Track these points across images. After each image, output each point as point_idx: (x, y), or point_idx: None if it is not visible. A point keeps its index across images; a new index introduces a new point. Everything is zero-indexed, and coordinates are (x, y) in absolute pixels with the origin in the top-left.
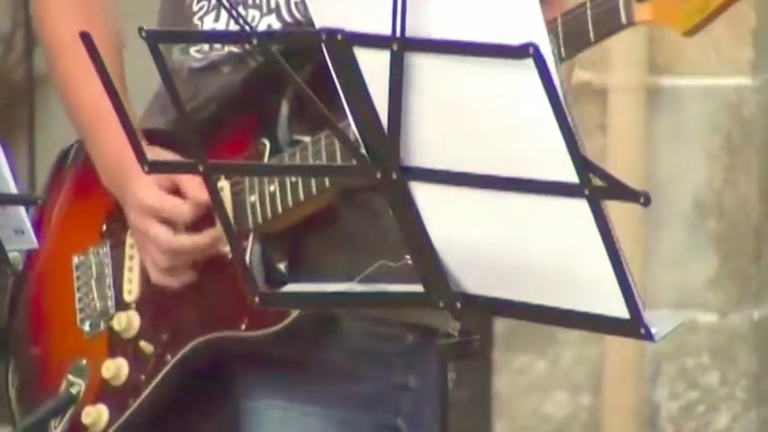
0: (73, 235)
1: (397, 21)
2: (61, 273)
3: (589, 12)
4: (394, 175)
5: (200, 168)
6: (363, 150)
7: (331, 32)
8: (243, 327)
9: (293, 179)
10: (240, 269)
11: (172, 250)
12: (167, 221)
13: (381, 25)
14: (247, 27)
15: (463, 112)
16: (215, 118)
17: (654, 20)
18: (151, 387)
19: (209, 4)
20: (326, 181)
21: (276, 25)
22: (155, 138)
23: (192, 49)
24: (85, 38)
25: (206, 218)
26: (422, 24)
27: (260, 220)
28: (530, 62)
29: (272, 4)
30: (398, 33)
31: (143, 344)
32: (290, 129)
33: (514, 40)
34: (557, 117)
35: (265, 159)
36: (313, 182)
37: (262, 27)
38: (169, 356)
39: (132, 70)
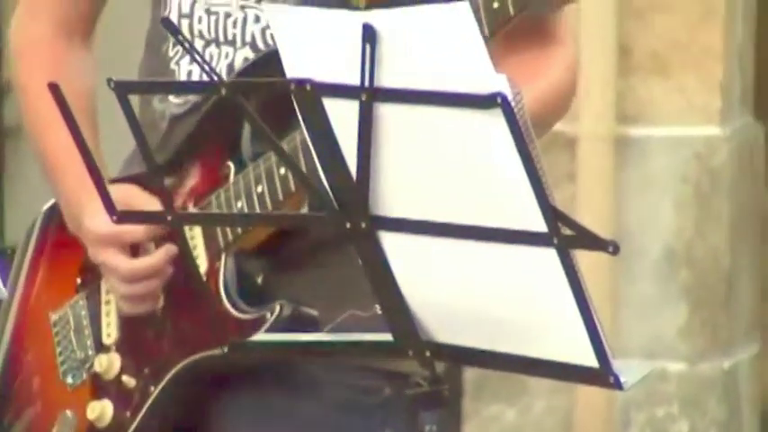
0: (49, 293)
1: (366, 71)
2: (40, 333)
3: None
4: (363, 225)
5: (169, 218)
6: (332, 199)
7: (300, 82)
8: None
9: (259, 190)
10: (213, 307)
11: (132, 276)
12: (124, 248)
13: (350, 75)
14: (215, 76)
15: (432, 161)
16: (183, 155)
17: None
18: (137, 422)
19: (183, 50)
20: (293, 189)
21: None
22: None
23: (171, 96)
24: (53, 88)
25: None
26: (390, 73)
27: (230, 237)
28: (497, 111)
29: (247, 38)
30: (367, 83)
31: (125, 378)
32: (254, 144)
33: (480, 88)
34: (525, 166)
35: (230, 181)
36: (280, 193)
37: (238, 61)
38: (152, 387)
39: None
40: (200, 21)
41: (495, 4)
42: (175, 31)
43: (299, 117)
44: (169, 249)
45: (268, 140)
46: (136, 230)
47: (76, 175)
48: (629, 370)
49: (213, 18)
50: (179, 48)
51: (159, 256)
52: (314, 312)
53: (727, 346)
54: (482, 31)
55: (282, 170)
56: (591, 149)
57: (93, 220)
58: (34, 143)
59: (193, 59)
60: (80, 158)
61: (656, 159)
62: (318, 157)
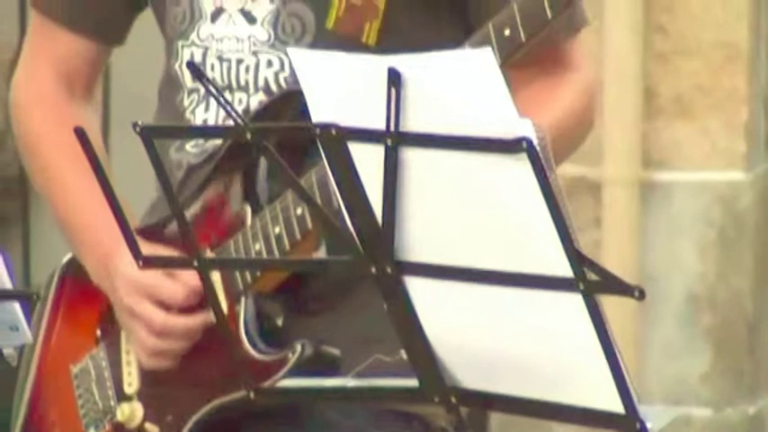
0: (69, 345)
1: (392, 115)
2: (61, 386)
3: None
4: (388, 270)
5: (195, 264)
6: (358, 243)
7: (325, 126)
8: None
9: (276, 231)
10: (233, 350)
11: (164, 331)
12: (159, 302)
13: (375, 119)
14: (240, 120)
15: (457, 205)
16: (200, 200)
17: None
18: None
19: (198, 97)
20: (310, 227)
21: None
22: (148, 235)
23: (188, 146)
24: (79, 133)
25: (196, 302)
26: (414, 118)
27: (249, 279)
28: (523, 156)
29: (260, 82)
30: (393, 128)
31: (148, 426)
32: (270, 184)
33: (505, 133)
34: (550, 210)
35: (248, 223)
36: (298, 233)
37: (252, 106)
38: None
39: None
40: (212, 68)
41: (507, 32)
42: (200, 73)
43: (324, 160)
44: (208, 318)
45: (290, 181)
46: (176, 291)
47: (102, 224)
48: (654, 416)
49: (225, 65)
50: (194, 97)
51: (197, 320)
52: (336, 352)
53: (753, 391)
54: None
55: (299, 210)
56: (616, 194)
57: (130, 267)
58: (50, 197)
59: (218, 102)
60: (103, 207)
61: (680, 203)
62: (343, 201)
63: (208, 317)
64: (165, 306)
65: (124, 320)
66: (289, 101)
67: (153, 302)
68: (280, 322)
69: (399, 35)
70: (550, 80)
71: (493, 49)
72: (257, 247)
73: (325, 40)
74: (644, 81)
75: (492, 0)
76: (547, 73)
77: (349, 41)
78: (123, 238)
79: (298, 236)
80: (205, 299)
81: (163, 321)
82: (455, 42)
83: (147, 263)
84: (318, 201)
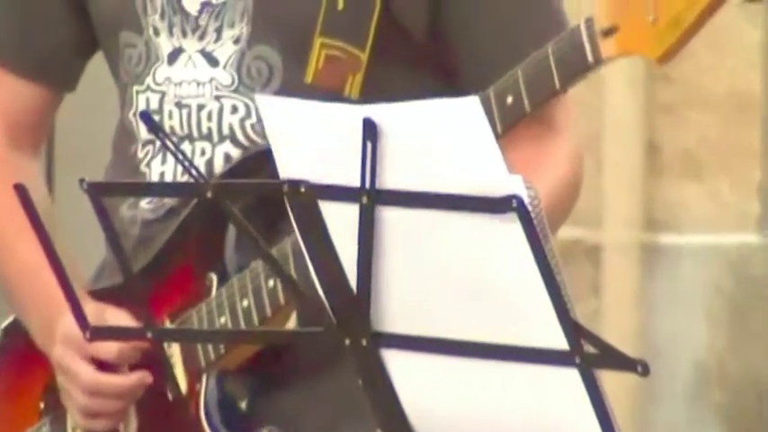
0: (9, 420)
1: (367, 170)
2: None
3: (551, 54)
4: (364, 342)
5: (149, 334)
6: (330, 313)
7: (294, 183)
8: None
9: (245, 305)
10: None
11: (94, 390)
12: (92, 359)
13: (349, 175)
14: (199, 177)
15: (439, 270)
16: (159, 264)
17: (623, 52)
18: None
19: (154, 148)
20: (282, 302)
21: (234, 153)
22: (100, 297)
23: (143, 202)
24: (20, 190)
25: (138, 360)
26: (393, 174)
27: (212, 356)
28: (512, 215)
29: (225, 130)
30: (368, 185)
31: None
32: (239, 253)
33: (493, 190)
34: (543, 276)
35: (213, 294)
36: (268, 308)
37: (217, 157)
38: None
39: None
40: (170, 116)
41: (509, 99)
42: (153, 124)
43: (293, 221)
44: (144, 377)
45: (257, 249)
46: (109, 348)
47: (47, 284)
48: None
49: (185, 111)
50: (149, 148)
51: (130, 380)
52: None
53: None
54: (494, 129)
55: (271, 282)
56: (616, 259)
57: (66, 319)
58: None
59: (175, 157)
60: (48, 268)
61: (687, 269)
62: (314, 266)
63: (145, 376)
64: (99, 363)
65: (59, 380)
66: (261, 159)
67: (85, 359)
68: (244, 405)
69: (384, 89)
70: (539, 144)
71: (493, 118)
72: (222, 320)
73: (302, 93)
74: (646, 135)
75: (488, 59)
76: (534, 136)
77: (330, 96)
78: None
79: (268, 311)
80: (152, 358)
81: (91, 379)
82: (446, 96)
83: (96, 334)
84: (293, 273)
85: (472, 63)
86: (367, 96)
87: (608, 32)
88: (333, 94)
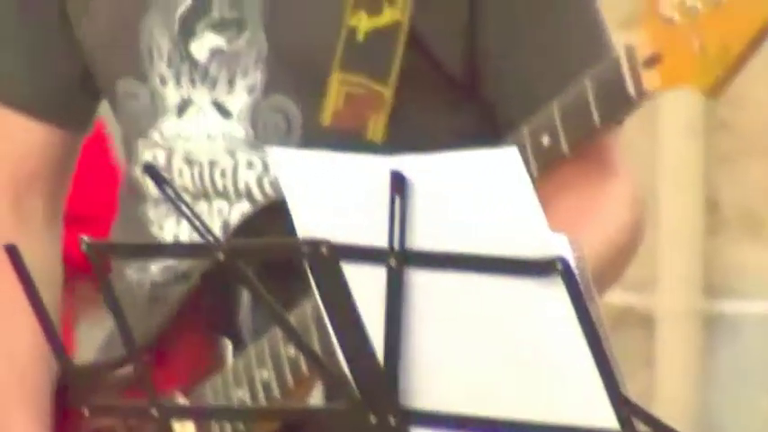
0: None
1: (395, 229)
2: None
3: (588, 87)
4: (392, 420)
5: (154, 412)
6: (354, 387)
7: (314, 244)
8: None
9: (264, 376)
10: None
11: None
12: None
13: (375, 234)
14: (210, 237)
15: (475, 340)
16: (169, 331)
17: (667, 84)
18: None
19: (167, 207)
20: (304, 372)
21: None
22: (103, 370)
23: (152, 266)
24: (11, 251)
25: None
26: (423, 232)
27: None
28: (556, 279)
29: (241, 188)
30: (397, 245)
31: None
32: (255, 316)
33: (535, 251)
34: (590, 346)
35: (228, 362)
36: (290, 379)
37: (234, 217)
38: None
39: None
40: (180, 174)
41: (546, 140)
42: (159, 178)
43: (313, 285)
44: None
45: (273, 314)
46: None
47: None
48: None
49: (196, 169)
50: (162, 207)
51: None
52: None
53: None
54: (528, 172)
55: (291, 350)
56: (672, 327)
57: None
58: None
59: (182, 214)
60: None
61: (749, 339)
62: (336, 336)
63: None
64: None
65: None
66: (275, 213)
67: None
68: None
69: (411, 128)
70: (594, 187)
71: (528, 159)
72: (240, 393)
73: (320, 137)
74: (705, 189)
75: (531, 92)
76: (587, 177)
77: (350, 139)
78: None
79: (290, 382)
80: None
81: None
82: (479, 134)
83: (95, 411)
84: (315, 341)
85: (512, 97)
86: (392, 138)
87: (650, 62)
88: (353, 136)
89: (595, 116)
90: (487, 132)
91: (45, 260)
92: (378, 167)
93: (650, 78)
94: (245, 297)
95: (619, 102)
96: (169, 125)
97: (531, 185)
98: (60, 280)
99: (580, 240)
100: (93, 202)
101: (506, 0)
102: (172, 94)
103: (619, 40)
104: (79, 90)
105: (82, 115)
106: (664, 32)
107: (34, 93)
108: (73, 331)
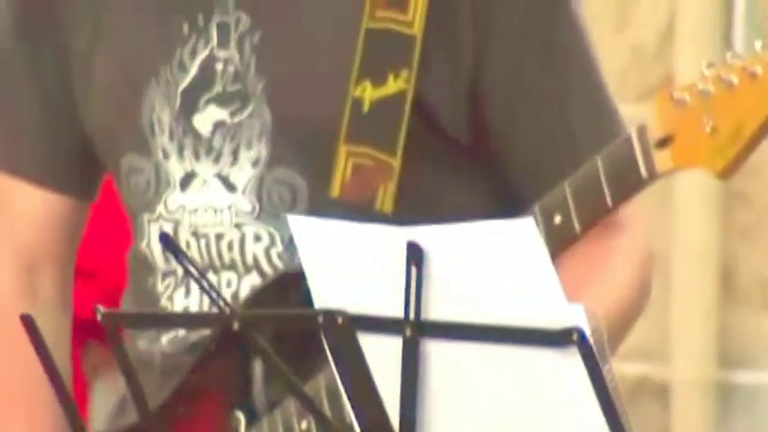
0: None
1: (411, 300)
2: None
3: (601, 167)
4: None
5: None
6: None
7: (329, 313)
8: None
9: None
10: None
11: None
12: None
13: (391, 304)
14: (226, 307)
15: (490, 410)
16: (180, 402)
17: (679, 165)
18: None
19: (176, 280)
20: None
21: None
22: None
23: (164, 337)
24: (27, 322)
25: None
26: (438, 303)
27: None
28: (573, 350)
29: (249, 260)
30: (413, 315)
31: None
32: (268, 388)
33: (551, 321)
34: (606, 417)
35: None
36: None
37: (243, 290)
38: None
39: None
40: (188, 246)
41: (557, 219)
42: (173, 247)
43: (328, 355)
44: None
45: (288, 383)
46: None
47: None
48: None
49: (203, 242)
50: (170, 280)
51: None
52: None
53: None
54: None
55: (304, 424)
56: (687, 398)
57: None
58: None
59: (199, 285)
60: None
61: (766, 411)
62: (352, 406)
63: None
64: None
65: None
66: (288, 285)
67: None
68: None
69: (420, 200)
70: (600, 242)
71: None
72: None
73: (328, 209)
74: (721, 259)
75: (540, 163)
76: (595, 234)
77: (359, 210)
78: None
79: None
80: None
81: None
82: (490, 205)
83: None
84: (328, 412)
85: (521, 173)
86: (401, 209)
87: (662, 143)
88: (363, 207)
89: (607, 196)
90: (497, 202)
91: (55, 329)
92: (394, 237)
93: (662, 159)
94: (258, 368)
95: (630, 182)
96: (174, 198)
97: (547, 255)
98: (69, 346)
99: (597, 311)
100: (101, 257)
101: (512, 74)
102: (175, 168)
103: (633, 114)
104: (88, 159)
105: (90, 184)
106: (676, 114)
107: (43, 163)
108: (87, 400)
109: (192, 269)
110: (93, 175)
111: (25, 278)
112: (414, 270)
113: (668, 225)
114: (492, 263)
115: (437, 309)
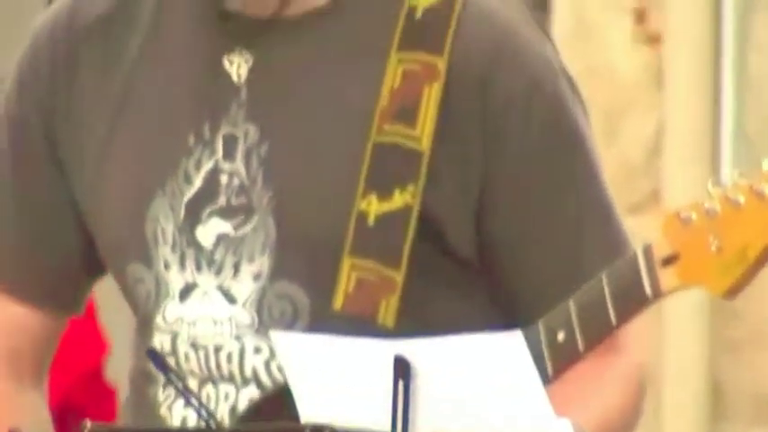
0: None
1: (398, 414)
2: None
3: (605, 285)
4: None
5: None
6: None
7: (317, 428)
8: None
9: None
10: None
11: None
12: None
13: (378, 417)
14: (212, 422)
15: None
16: None
17: (684, 284)
18: None
19: (175, 390)
20: None
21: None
22: None
23: None
24: None
25: None
26: (426, 415)
27: None
28: None
29: (248, 373)
30: (400, 429)
31: None
32: None
33: None
34: None
35: None
36: None
37: (241, 402)
38: None
39: None
40: (186, 358)
41: (561, 336)
42: (163, 365)
43: None
44: None
45: None
46: None
47: None
48: None
49: (202, 353)
50: (171, 390)
51: None
52: None
53: None
54: (543, 370)
55: None
56: None
57: None
58: None
59: (186, 401)
60: None
61: None
62: None
63: None
64: None
65: None
66: (284, 399)
67: None
68: None
69: (422, 313)
70: (594, 367)
71: (542, 357)
72: None
73: (330, 323)
74: (711, 375)
75: (546, 281)
76: (591, 355)
77: (361, 324)
78: None
79: None
80: None
81: None
82: (493, 318)
83: None
84: None
85: (525, 291)
86: (403, 323)
87: (668, 262)
88: (364, 321)
89: (612, 315)
90: (501, 317)
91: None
92: (381, 351)
93: (667, 278)
94: None
95: (635, 301)
96: (172, 309)
97: (534, 368)
98: None
99: (584, 426)
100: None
101: (518, 191)
102: (175, 279)
103: (626, 225)
104: (77, 275)
105: (75, 298)
106: (681, 232)
107: (28, 279)
108: None
109: (178, 385)
110: (82, 289)
111: (10, 376)
112: (401, 384)
113: (658, 339)
114: (480, 377)
115: (424, 422)
